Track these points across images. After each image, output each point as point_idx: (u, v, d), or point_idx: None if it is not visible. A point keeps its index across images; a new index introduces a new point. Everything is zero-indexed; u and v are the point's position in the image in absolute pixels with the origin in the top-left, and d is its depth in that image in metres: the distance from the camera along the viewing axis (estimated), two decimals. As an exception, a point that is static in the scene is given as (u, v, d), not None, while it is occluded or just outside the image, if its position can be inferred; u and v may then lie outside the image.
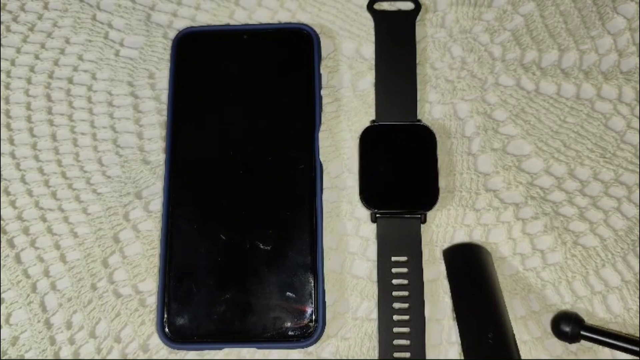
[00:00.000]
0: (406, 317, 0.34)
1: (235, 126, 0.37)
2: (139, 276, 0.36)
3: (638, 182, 0.36)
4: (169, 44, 0.39)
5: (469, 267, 0.34)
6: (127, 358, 0.35)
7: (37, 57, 0.40)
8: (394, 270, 0.35)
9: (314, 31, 0.38)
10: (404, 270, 0.34)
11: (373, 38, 0.38)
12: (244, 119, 0.37)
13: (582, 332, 0.33)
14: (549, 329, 0.34)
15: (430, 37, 0.39)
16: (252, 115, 0.37)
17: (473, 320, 0.32)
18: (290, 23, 0.39)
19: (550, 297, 0.35)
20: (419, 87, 0.37)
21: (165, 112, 0.38)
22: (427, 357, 0.34)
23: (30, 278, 0.36)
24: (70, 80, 0.39)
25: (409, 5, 0.38)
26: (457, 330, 0.32)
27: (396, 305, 0.34)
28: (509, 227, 0.36)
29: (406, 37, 0.38)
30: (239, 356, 0.35)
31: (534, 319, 0.34)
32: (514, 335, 0.32)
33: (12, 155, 0.38)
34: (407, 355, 0.33)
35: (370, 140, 0.36)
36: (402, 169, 0.35)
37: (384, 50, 0.38)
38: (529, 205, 0.36)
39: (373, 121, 0.37)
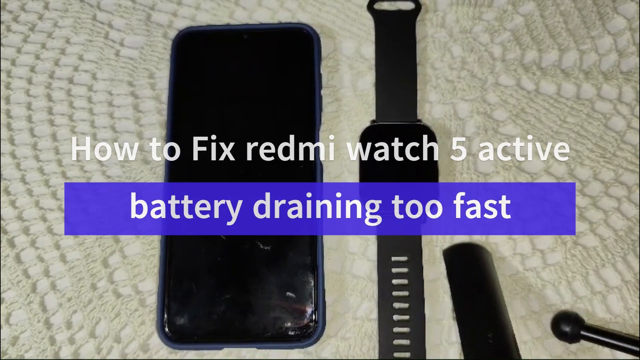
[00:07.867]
0: (406, 317, 0.34)
1: (235, 126, 0.37)
2: (139, 276, 0.36)
3: (638, 182, 0.36)
4: (169, 43, 0.39)
5: (469, 267, 0.34)
6: (127, 358, 0.35)
7: (37, 57, 0.40)
8: (394, 270, 0.35)
9: (314, 31, 0.38)
10: (404, 270, 0.34)
11: (373, 38, 0.38)
12: (244, 119, 0.37)
13: (582, 332, 0.33)
14: (549, 329, 0.34)
15: (431, 37, 0.39)
16: (252, 115, 0.37)
17: (473, 320, 0.32)
18: (290, 23, 0.39)
19: (550, 297, 0.35)
20: (419, 87, 0.37)
21: (165, 112, 0.38)
22: (427, 357, 0.34)
23: (30, 278, 0.36)
24: (70, 80, 0.39)
25: (409, 5, 0.38)
26: (457, 330, 0.32)
27: (396, 305, 0.34)
28: (509, 227, 0.36)
29: (406, 37, 0.38)
30: (239, 356, 0.35)
31: (534, 319, 0.34)
32: (514, 335, 0.32)
33: (13, 155, 0.38)
34: (407, 355, 0.33)
35: (370, 140, 0.36)
36: (402, 169, 0.35)
37: (384, 50, 0.38)
38: (529, 205, 0.36)
39: (373, 121, 0.37)
